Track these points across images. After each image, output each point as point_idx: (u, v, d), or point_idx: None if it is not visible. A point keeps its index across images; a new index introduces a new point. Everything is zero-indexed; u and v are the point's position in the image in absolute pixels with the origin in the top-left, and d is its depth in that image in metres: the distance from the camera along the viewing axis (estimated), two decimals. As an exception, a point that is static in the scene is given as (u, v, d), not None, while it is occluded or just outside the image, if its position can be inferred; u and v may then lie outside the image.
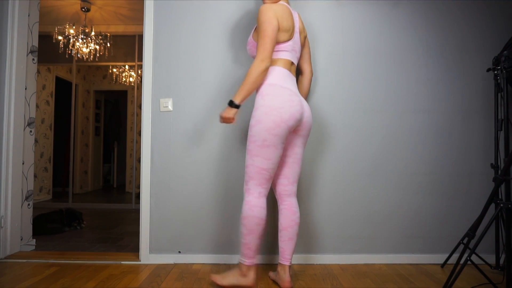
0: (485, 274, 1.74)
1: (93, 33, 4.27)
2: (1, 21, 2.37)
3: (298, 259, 2.24)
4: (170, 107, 2.29)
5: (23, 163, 2.50)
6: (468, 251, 2.19)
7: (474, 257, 2.23)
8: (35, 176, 4.92)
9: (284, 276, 1.81)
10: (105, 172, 6.74)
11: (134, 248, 2.60)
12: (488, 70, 2.16)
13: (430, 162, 2.28)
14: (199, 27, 2.30)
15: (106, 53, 4.73)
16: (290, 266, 1.85)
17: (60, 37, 4.26)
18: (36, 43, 2.63)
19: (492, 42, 2.31)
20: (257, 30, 1.76)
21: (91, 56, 4.48)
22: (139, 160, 5.15)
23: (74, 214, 3.34)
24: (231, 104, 1.69)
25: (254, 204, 1.70)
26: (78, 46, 4.25)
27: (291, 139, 1.83)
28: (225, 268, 2.15)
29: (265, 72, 1.68)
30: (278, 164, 1.77)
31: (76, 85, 5.46)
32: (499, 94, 2.17)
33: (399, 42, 2.31)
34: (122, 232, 3.16)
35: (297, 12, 1.94)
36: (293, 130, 1.81)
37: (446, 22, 2.32)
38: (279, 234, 1.86)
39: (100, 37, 4.40)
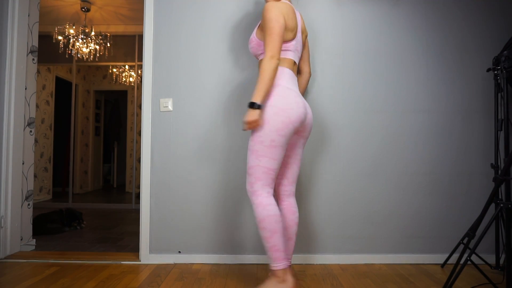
0: (485, 274, 1.74)
1: (93, 33, 4.27)
2: (1, 21, 2.37)
3: (298, 259, 2.24)
4: (170, 107, 2.29)
5: (23, 163, 2.50)
6: (468, 251, 2.19)
7: (474, 257, 2.23)
8: (35, 176, 4.92)
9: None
10: (105, 172, 6.74)
11: (134, 248, 2.60)
12: (488, 70, 2.16)
13: (430, 162, 2.28)
14: (199, 27, 2.30)
15: (106, 53, 4.73)
16: (290, 266, 1.85)
17: (60, 37, 4.26)
18: (36, 43, 2.63)
19: (492, 42, 2.31)
20: (262, 28, 1.72)
21: (91, 56, 4.48)
22: (139, 160, 5.15)
23: (74, 214, 3.34)
24: (253, 105, 1.60)
25: (267, 203, 1.66)
26: (78, 46, 4.25)
27: (293, 140, 1.83)
28: (225, 268, 2.16)
29: (276, 69, 1.64)
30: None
31: (76, 85, 5.47)
32: (499, 94, 2.17)
33: (399, 42, 2.31)
34: (122, 232, 3.16)
35: (298, 11, 1.94)
36: (296, 131, 1.81)
37: (446, 22, 2.32)
38: (279, 234, 1.86)
39: (100, 37, 4.40)
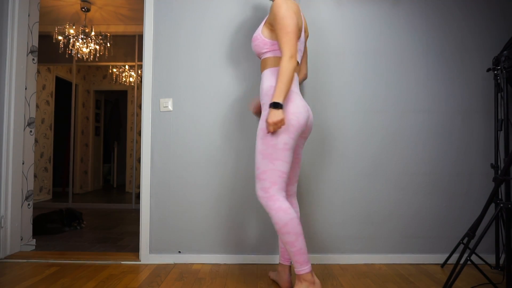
0: (485, 274, 1.74)
1: (93, 33, 4.27)
2: (1, 21, 2.37)
3: (298, 259, 2.23)
4: (170, 107, 2.29)
5: (23, 163, 2.50)
6: (468, 251, 2.19)
7: (474, 257, 2.23)
8: (35, 176, 4.92)
9: (285, 276, 1.82)
10: (105, 172, 6.74)
11: (134, 248, 2.60)
12: (488, 70, 2.16)
13: (430, 162, 2.28)
14: (199, 27, 2.30)
15: (106, 53, 4.73)
16: (290, 266, 1.85)
17: (60, 37, 4.26)
18: (36, 43, 2.63)
19: (492, 42, 2.31)
20: (273, 25, 1.66)
21: (91, 56, 4.48)
22: (139, 160, 5.15)
23: (74, 214, 3.34)
24: (277, 105, 1.55)
25: (286, 207, 1.61)
26: (78, 46, 4.25)
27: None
28: (225, 268, 2.16)
29: (295, 69, 1.59)
30: None
31: (76, 85, 5.46)
32: (499, 94, 2.17)
33: (399, 42, 2.31)
34: (122, 232, 3.16)
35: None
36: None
37: (446, 22, 2.32)
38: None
39: (100, 37, 4.40)
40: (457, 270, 1.96)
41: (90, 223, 3.59)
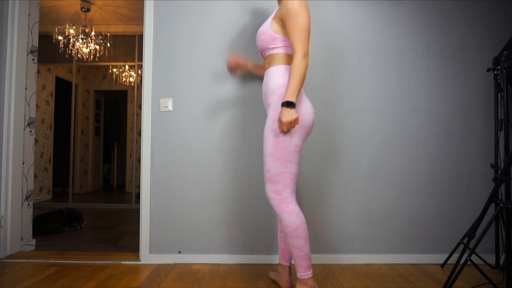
0: (485, 274, 1.74)
1: (93, 33, 4.27)
2: (1, 21, 2.37)
3: (298, 259, 2.23)
4: (170, 107, 2.29)
5: (23, 163, 2.49)
6: (468, 251, 2.19)
7: (474, 257, 2.23)
8: (35, 176, 4.92)
9: (285, 277, 1.82)
10: (105, 172, 6.74)
11: (134, 248, 2.60)
12: (488, 70, 2.16)
13: (430, 162, 2.28)
14: (199, 27, 2.30)
15: (106, 53, 4.73)
16: (290, 267, 1.85)
17: (60, 37, 4.26)
18: (36, 43, 2.63)
19: (492, 42, 2.31)
20: (285, 21, 1.60)
21: (91, 56, 4.48)
22: (139, 160, 5.15)
23: (74, 214, 3.34)
24: (290, 104, 1.51)
25: (298, 210, 1.61)
26: (78, 46, 4.25)
27: None
28: (225, 268, 2.16)
29: (306, 68, 1.57)
30: None
31: (76, 85, 5.46)
32: (499, 94, 2.17)
33: (399, 42, 2.31)
34: (122, 232, 3.16)
35: None
36: None
37: (446, 22, 2.32)
38: (279, 235, 1.86)
39: (100, 37, 4.40)
40: (457, 270, 1.96)
41: (90, 223, 3.59)
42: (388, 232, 2.27)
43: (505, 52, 2.03)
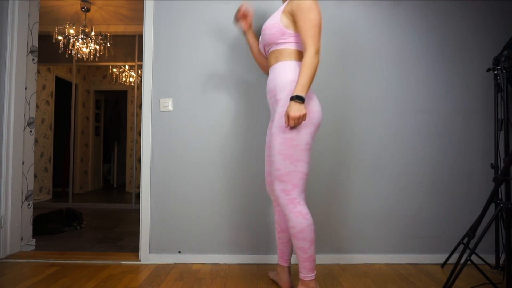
0: (485, 274, 1.74)
1: (93, 33, 4.27)
2: (1, 21, 2.37)
3: (298, 259, 2.23)
4: (170, 107, 2.29)
5: (23, 163, 2.49)
6: (468, 251, 2.19)
7: (474, 257, 2.23)
8: (35, 176, 4.92)
9: (284, 277, 1.82)
10: (105, 172, 6.74)
11: (134, 248, 2.60)
12: (488, 70, 2.16)
13: (430, 162, 2.28)
14: (199, 27, 2.30)
15: (106, 53, 4.73)
16: (289, 267, 1.85)
17: (60, 37, 4.26)
18: (36, 43, 2.63)
19: (492, 42, 2.31)
20: (296, 16, 1.57)
21: (91, 56, 4.48)
22: (139, 160, 5.15)
23: (74, 214, 3.34)
24: (300, 99, 1.48)
25: (306, 212, 1.58)
26: (78, 46, 4.25)
27: None
28: (225, 268, 2.16)
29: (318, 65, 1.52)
30: None
31: (76, 85, 5.46)
32: (499, 94, 2.17)
33: (399, 42, 2.31)
34: (122, 232, 3.16)
35: None
36: None
37: (446, 22, 2.32)
38: (277, 236, 1.86)
39: (100, 37, 4.40)
40: (457, 270, 1.96)
41: (90, 223, 3.59)
42: (388, 232, 2.27)
43: (505, 52, 2.03)
